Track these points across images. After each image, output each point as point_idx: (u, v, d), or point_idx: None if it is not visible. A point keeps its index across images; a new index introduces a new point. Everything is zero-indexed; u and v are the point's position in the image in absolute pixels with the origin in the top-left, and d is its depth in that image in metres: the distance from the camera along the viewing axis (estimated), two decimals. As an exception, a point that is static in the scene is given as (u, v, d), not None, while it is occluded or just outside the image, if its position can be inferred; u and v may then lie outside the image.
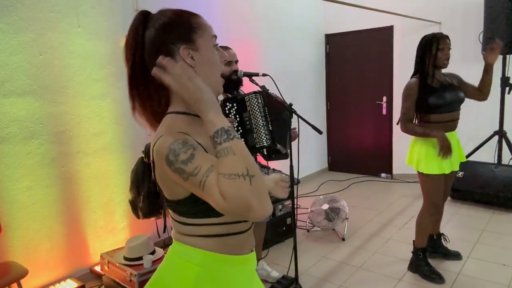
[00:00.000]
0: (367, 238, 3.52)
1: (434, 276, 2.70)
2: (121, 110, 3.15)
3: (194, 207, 0.94)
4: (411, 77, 2.71)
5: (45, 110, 2.68)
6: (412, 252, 2.85)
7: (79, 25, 2.84)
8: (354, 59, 5.61)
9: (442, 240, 3.01)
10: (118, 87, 3.11)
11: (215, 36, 1.01)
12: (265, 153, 2.33)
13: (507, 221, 3.74)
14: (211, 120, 0.84)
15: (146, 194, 2.84)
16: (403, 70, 5.19)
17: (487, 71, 2.63)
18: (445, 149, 2.50)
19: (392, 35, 5.24)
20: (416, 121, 2.70)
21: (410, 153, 2.78)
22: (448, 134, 2.57)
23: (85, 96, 2.91)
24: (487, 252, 3.12)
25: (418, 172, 2.69)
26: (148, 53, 0.95)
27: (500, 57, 4.21)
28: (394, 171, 5.48)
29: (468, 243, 3.28)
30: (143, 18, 0.96)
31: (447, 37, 2.61)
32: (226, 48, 2.41)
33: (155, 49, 0.94)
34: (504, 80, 4.20)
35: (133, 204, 2.91)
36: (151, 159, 0.95)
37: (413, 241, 2.85)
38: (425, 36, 2.65)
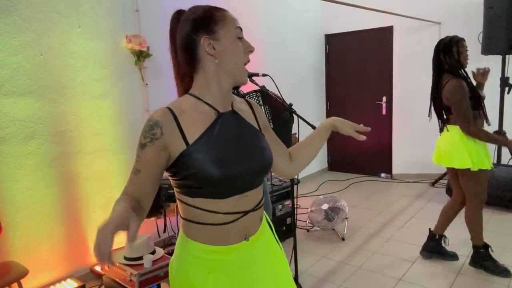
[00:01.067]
0: (367, 238, 3.53)
1: (500, 270, 2.74)
2: (121, 110, 3.15)
3: (174, 179, 1.06)
4: (444, 77, 2.65)
5: (46, 110, 2.68)
6: (474, 251, 2.84)
7: (79, 25, 2.84)
8: (354, 59, 5.61)
9: (442, 242, 3.01)
10: (118, 87, 3.11)
11: (240, 28, 1.08)
12: None
13: (507, 221, 3.74)
14: None
15: (146, 194, 2.83)
16: (403, 70, 5.20)
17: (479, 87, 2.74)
18: None
19: (392, 35, 5.24)
20: (444, 122, 2.74)
21: (452, 154, 2.69)
22: None
23: (85, 96, 2.91)
24: (487, 252, 3.12)
25: (463, 171, 2.65)
26: (177, 45, 1.08)
27: (500, 57, 4.21)
28: (394, 171, 5.48)
29: (468, 243, 3.27)
30: (177, 15, 1.10)
31: (464, 39, 2.67)
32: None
33: (181, 40, 1.06)
34: (504, 80, 4.20)
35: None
36: None
37: (436, 233, 2.93)
38: (442, 40, 2.69)
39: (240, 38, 1.07)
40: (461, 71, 2.64)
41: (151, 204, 1.04)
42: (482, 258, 2.80)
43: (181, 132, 1.01)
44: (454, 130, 2.68)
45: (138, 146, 1.02)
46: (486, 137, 2.59)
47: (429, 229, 3.05)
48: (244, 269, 1.10)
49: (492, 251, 2.83)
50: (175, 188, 1.09)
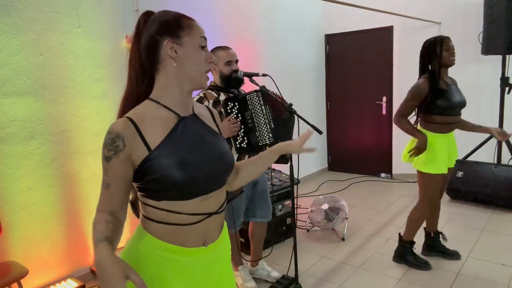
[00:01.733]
0: (367, 238, 3.53)
1: (421, 263, 2.84)
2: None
3: (139, 184, 1.08)
4: (419, 78, 2.72)
5: (46, 110, 2.68)
6: (400, 245, 2.95)
7: (79, 25, 2.84)
8: (354, 59, 5.61)
9: (441, 239, 3.02)
10: (118, 87, 3.11)
11: (204, 38, 1.13)
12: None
13: (507, 221, 3.74)
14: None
15: (146, 194, 2.84)
16: (403, 70, 5.20)
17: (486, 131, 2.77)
18: (418, 152, 2.62)
19: (392, 35, 5.25)
20: (418, 119, 2.76)
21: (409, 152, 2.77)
22: (448, 135, 2.70)
23: (85, 96, 2.91)
24: (486, 252, 3.12)
25: (420, 172, 2.73)
26: (141, 45, 1.11)
27: (500, 57, 4.21)
28: (394, 171, 5.48)
29: (468, 243, 3.28)
30: (145, 16, 1.13)
31: (449, 38, 2.67)
32: (226, 48, 2.41)
33: (145, 39, 1.10)
34: (504, 80, 4.20)
35: (133, 204, 2.91)
36: None
37: (399, 234, 2.98)
38: (427, 40, 2.70)
39: (203, 47, 1.12)
40: (441, 72, 2.63)
41: (126, 213, 1.08)
42: (406, 253, 2.90)
43: (143, 140, 1.04)
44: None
45: (103, 159, 1.04)
46: (410, 130, 2.67)
47: (424, 228, 3.07)
48: (195, 273, 1.13)
49: (414, 248, 2.94)
50: (138, 192, 1.12)
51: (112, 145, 1.02)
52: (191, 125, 1.13)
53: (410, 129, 2.68)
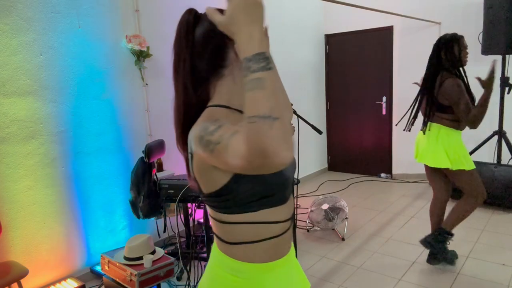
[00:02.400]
0: (367, 238, 3.53)
1: (448, 253, 2.83)
2: (121, 110, 3.15)
3: (231, 198, 0.91)
4: (441, 75, 2.62)
5: (46, 110, 2.69)
6: (437, 233, 2.82)
7: (79, 25, 2.84)
8: (354, 59, 5.61)
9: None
10: (118, 87, 3.11)
11: None
12: None
13: (507, 221, 3.74)
14: (249, 42, 0.75)
15: (146, 194, 2.84)
16: (403, 70, 5.20)
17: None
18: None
19: (392, 35, 5.24)
20: (431, 117, 2.70)
21: (439, 153, 2.69)
22: (460, 133, 2.70)
23: (85, 96, 2.91)
24: (487, 252, 3.12)
25: (463, 171, 2.65)
26: (197, 46, 0.94)
27: (500, 57, 4.21)
28: (394, 171, 5.48)
29: (468, 243, 3.28)
30: (193, 15, 0.96)
31: (463, 38, 2.66)
32: None
33: (209, 40, 0.93)
34: (504, 80, 4.20)
35: (133, 204, 2.91)
36: (188, 150, 0.94)
37: (439, 227, 2.86)
38: (443, 37, 2.65)
39: None
40: (460, 70, 2.63)
41: None
42: (439, 241, 2.81)
43: None
44: (434, 128, 2.70)
45: (211, 137, 0.81)
46: (483, 103, 2.50)
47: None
48: (292, 280, 1.05)
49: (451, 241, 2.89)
50: (225, 211, 0.93)
51: (215, 121, 0.85)
52: None
53: (482, 103, 2.49)
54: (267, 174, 0.86)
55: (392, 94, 5.35)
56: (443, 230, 2.81)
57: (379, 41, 5.37)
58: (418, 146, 2.87)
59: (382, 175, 5.56)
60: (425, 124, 2.76)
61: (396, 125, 2.85)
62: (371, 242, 3.43)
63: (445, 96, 2.59)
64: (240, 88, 0.93)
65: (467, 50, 2.65)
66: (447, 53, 2.60)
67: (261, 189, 0.90)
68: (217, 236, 0.99)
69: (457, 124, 2.66)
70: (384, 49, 5.32)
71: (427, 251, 3.09)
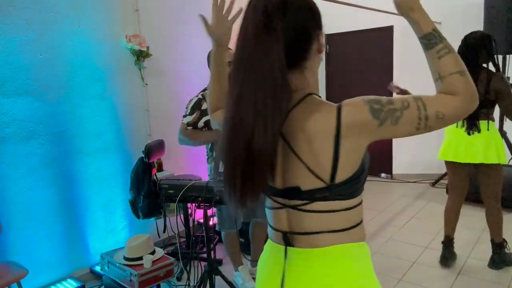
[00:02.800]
0: (367, 238, 3.50)
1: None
2: (121, 110, 3.15)
3: (363, 178, 0.93)
4: (479, 70, 2.61)
5: (45, 110, 2.68)
6: (498, 249, 2.81)
7: (79, 25, 2.84)
8: (354, 59, 5.61)
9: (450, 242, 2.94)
10: (118, 87, 3.11)
11: None
12: None
13: (507, 221, 3.73)
14: (426, 19, 0.94)
15: (146, 194, 2.84)
16: (403, 70, 5.20)
17: None
18: None
19: (392, 35, 5.24)
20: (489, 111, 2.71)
21: (491, 148, 2.66)
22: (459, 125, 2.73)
23: (85, 96, 2.91)
24: (487, 252, 3.11)
25: (495, 165, 2.65)
26: (289, 35, 0.87)
27: (500, 57, 4.20)
28: (394, 171, 5.48)
29: (468, 243, 3.28)
30: (281, 2, 0.87)
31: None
32: (227, 48, 2.40)
33: (295, 32, 0.88)
34: (504, 80, 4.19)
35: (133, 204, 2.91)
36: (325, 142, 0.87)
37: (492, 240, 2.83)
38: (475, 34, 2.64)
39: None
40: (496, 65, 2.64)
41: None
42: (504, 255, 2.82)
43: None
44: (491, 126, 2.69)
45: (389, 103, 0.85)
46: None
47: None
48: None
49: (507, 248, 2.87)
50: (347, 197, 0.91)
51: (379, 98, 0.88)
52: None
53: None
54: (366, 164, 0.92)
55: (392, 94, 5.34)
56: (500, 244, 2.82)
57: (379, 41, 5.37)
58: (457, 145, 2.77)
59: (382, 175, 5.56)
60: (473, 126, 2.69)
61: None
62: (371, 242, 3.43)
63: (498, 90, 2.58)
64: (317, 83, 0.99)
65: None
66: (488, 50, 2.61)
67: (362, 177, 0.93)
68: (334, 231, 0.92)
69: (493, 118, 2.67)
70: (384, 49, 5.32)
71: (427, 251, 3.10)
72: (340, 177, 0.88)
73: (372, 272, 1.04)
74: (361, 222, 0.97)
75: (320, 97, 0.96)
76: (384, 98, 0.86)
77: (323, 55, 0.98)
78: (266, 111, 0.83)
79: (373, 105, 0.85)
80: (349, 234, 0.94)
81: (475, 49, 2.58)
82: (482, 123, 2.67)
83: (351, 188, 0.90)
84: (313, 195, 0.89)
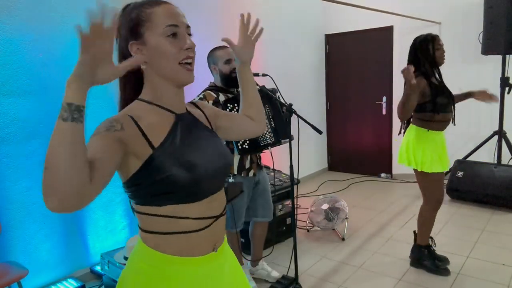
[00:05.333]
0: (367, 238, 3.53)
1: (439, 268, 2.78)
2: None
3: (139, 189, 0.97)
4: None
5: (46, 110, 2.68)
6: (415, 250, 2.89)
7: (79, 25, 2.84)
8: (354, 59, 5.61)
9: (431, 244, 2.92)
10: (118, 86, 3.11)
11: (174, 25, 0.98)
12: (270, 149, 2.37)
13: (507, 221, 3.74)
14: (66, 91, 0.85)
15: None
16: (403, 70, 5.20)
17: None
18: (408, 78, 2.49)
19: (392, 35, 5.25)
20: (414, 119, 2.74)
21: (407, 153, 2.74)
22: (440, 134, 2.69)
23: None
24: (487, 252, 3.12)
25: (422, 172, 2.67)
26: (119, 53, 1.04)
27: (500, 57, 4.21)
28: (394, 171, 5.48)
29: (468, 243, 3.28)
30: (121, 15, 1.02)
31: (439, 36, 2.67)
32: (224, 47, 2.40)
33: (120, 46, 1.02)
34: (504, 80, 4.20)
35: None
36: None
37: (415, 239, 2.90)
38: (417, 38, 2.68)
39: (174, 35, 0.98)
40: (434, 70, 2.63)
41: (97, 189, 0.87)
42: (423, 258, 2.84)
43: (144, 136, 0.95)
44: (411, 130, 2.74)
45: (93, 134, 0.93)
46: (404, 104, 2.57)
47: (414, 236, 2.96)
48: (212, 283, 1.05)
49: (434, 249, 2.88)
50: (135, 201, 1.00)
51: (107, 124, 0.93)
52: (188, 124, 1.06)
53: (403, 100, 2.57)
54: (167, 171, 0.93)
55: (392, 94, 5.35)
56: (421, 247, 2.85)
57: (379, 41, 5.37)
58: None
59: (382, 175, 5.56)
60: (405, 128, 2.83)
61: (398, 134, 2.87)
62: (371, 242, 3.43)
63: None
64: (156, 86, 1.03)
65: (444, 50, 2.65)
66: (423, 53, 2.61)
67: (162, 185, 0.94)
68: (138, 226, 1.04)
69: (426, 123, 2.65)
70: (384, 49, 5.32)
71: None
72: (120, 178, 1.02)
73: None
74: (159, 233, 1.00)
75: (148, 102, 1.04)
76: (102, 125, 0.95)
77: (155, 62, 1.01)
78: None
79: (96, 131, 0.96)
80: (144, 234, 1.02)
81: (414, 52, 2.68)
82: (410, 126, 2.76)
83: (130, 193, 1.00)
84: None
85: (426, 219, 2.80)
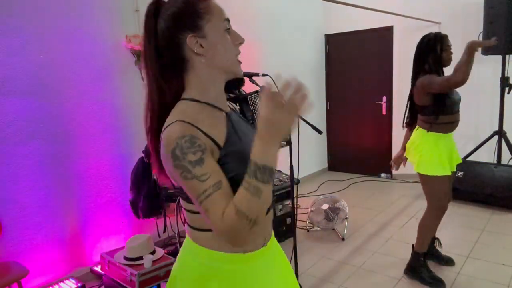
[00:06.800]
0: (367, 238, 3.53)
1: (435, 281, 2.63)
2: (121, 110, 3.15)
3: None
4: (418, 76, 2.55)
5: (45, 110, 2.68)
6: (412, 256, 2.77)
7: (79, 25, 2.84)
8: (354, 59, 5.61)
9: (436, 245, 2.93)
10: (118, 87, 3.11)
11: (227, 20, 0.99)
12: None
13: (507, 221, 3.74)
14: (266, 151, 0.84)
15: (146, 194, 2.84)
16: (403, 70, 5.19)
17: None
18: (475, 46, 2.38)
19: (392, 35, 5.24)
20: (419, 121, 2.67)
21: (414, 155, 2.66)
22: (448, 136, 2.59)
23: (85, 96, 2.91)
24: (487, 252, 3.12)
25: (425, 175, 2.58)
26: (160, 45, 0.97)
27: (500, 57, 4.21)
28: (394, 171, 5.46)
29: (468, 243, 3.28)
30: (154, 8, 0.97)
31: (447, 36, 2.59)
32: None
33: (166, 41, 0.96)
34: (504, 80, 4.20)
35: (133, 204, 2.91)
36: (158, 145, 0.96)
37: (412, 245, 2.78)
38: (425, 36, 2.58)
39: (228, 30, 0.98)
40: (439, 71, 2.54)
41: None
42: (420, 267, 2.70)
43: (211, 139, 0.91)
44: (418, 133, 2.65)
45: (192, 167, 0.85)
46: (464, 67, 2.39)
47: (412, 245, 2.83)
48: (264, 278, 1.03)
49: (438, 249, 2.84)
50: (187, 200, 0.97)
51: (195, 147, 0.86)
52: (237, 120, 1.04)
53: (464, 60, 2.39)
54: (235, 171, 0.91)
55: (392, 94, 5.34)
56: (418, 254, 2.73)
57: (379, 41, 5.37)
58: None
59: (382, 175, 5.56)
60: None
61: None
62: (371, 242, 3.43)
63: (419, 90, 2.52)
64: (206, 83, 0.99)
65: (452, 50, 2.57)
66: (430, 53, 2.52)
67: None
68: (188, 225, 1.02)
69: (445, 126, 2.56)
70: (384, 49, 5.32)
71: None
72: (175, 182, 0.98)
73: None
74: (210, 230, 0.97)
75: (196, 101, 0.98)
76: (191, 156, 0.86)
77: (216, 55, 0.97)
78: (151, 111, 0.99)
79: (176, 150, 0.87)
80: (195, 233, 1.01)
81: (421, 51, 2.59)
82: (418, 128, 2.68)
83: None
84: (174, 191, 1.03)
85: (427, 227, 2.69)
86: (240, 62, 1.02)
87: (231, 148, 0.93)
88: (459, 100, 2.60)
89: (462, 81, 2.37)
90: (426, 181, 2.61)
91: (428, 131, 2.59)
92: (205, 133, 0.91)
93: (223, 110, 1.02)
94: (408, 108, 2.74)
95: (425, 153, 2.57)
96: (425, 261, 2.72)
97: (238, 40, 0.99)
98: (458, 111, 2.61)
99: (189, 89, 1.00)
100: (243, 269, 1.00)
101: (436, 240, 2.93)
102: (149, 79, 0.98)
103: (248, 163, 0.84)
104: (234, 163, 0.92)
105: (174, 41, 0.95)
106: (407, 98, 2.77)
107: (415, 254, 2.75)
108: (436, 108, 2.51)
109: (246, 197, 0.82)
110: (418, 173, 2.63)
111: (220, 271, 0.98)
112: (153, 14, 0.97)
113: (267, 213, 1.02)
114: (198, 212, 0.96)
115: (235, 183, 0.90)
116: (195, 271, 0.99)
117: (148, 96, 0.99)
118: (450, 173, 2.61)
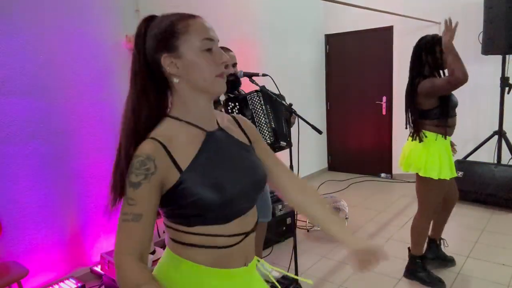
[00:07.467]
0: (367, 238, 3.53)
1: (435, 281, 2.63)
2: (121, 110, 3.14)
3: (168, 210, 0.98)
4: (418, 79, 2.51)
5: (46, 110, 2.68)
6: (409, 260, 2.77)
7: (79, 25, 2.84)
8: (354, 59, 5.61)
9: (442, 244, 2.93)
10: (118, 87, 3.11)
11: (209, 39, 0.97)
12: None
13: (507, 221, 3.74)
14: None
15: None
16: (403, 70, 5.18)
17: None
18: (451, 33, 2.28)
19: (392, 35, 5.24)
20: (411, 123, 2.63)
21: (413, 158, 2.60)
22: (448, 140, 2.57)
23: (85, 96, 2.91)
24: (487, 252, 3.12)
25: (424, 178, 2.53)
26: (148, 63, 0.99)
27: (500, 57, 4.20)
28: (394, 171, 5.48)
29: (468, 243, 3.28)
30: (145, 26, 1.00)
31: None
32: (226, 50, 2.41)
33: (150, 60, 0.98)
34: (504, 80, 4.20)
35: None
36: None
37: (409, 248, 2.78)
38: (422, 38, 2.54)
39: (210, 50, 0.97)
40: (440, 73, 2.50)
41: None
42: (417, 269, 2.70)
43: (173, 161, 0.93)
44: (419, 143, 2.58)
45: (129, 186, 0.91)
46: (456, 64, 2.28)
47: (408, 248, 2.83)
48: None
49: (446, 246, 2.84)
50: (165, 217, 1.00)
51: (142, 169, 0.89)
52: (219, 140, 1.02)
53: (453, 55, 2.29)
54: (195, 195, 0.92)
55: (392, 94, 5.35)
56: (414, 257, 2.73)
57: (379, 41, 5.37)
58: (404, 155, 2.71)
59: (382, 175, 5.56)
60: (414, 134, 2.63)
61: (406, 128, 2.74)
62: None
63: (422, 95, 2.47)
64: (187, 101, 0.99)
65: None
66: (428, 55, 2.47)
67: (191, 208, 0.94)
68: (170, 238, 1.02)
69: (447, 129, 2.52)
70: (384, 49, 5.32)
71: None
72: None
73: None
74: (190, 245, 0.99)
75: (177, 119, 1.00)
76: (133, 176, 0.91)
77: (191, 75, 0.97)
78: (131, 122, 1.02)
79: (131, 164, 0.93)
80: (174, 244, 1.02)
81: (419, 53, 2.53)
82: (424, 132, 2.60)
83: (163, 212, 1.01)
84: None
85: (419, 230, 2.67)
86: (223, 79, 1.01)
87: (194, 172, 0.94)
88: (457, 104, 2.58)
89: (463, 77, 2.28)
90: (426, 184, 2.56)
91: (434, 133, 2.53)
92: (170, 155, 0.93)
93: (204, 130, 1.01)
94: (409, 118, 2.65)
95: (422, 155, 2.53)
96: (423, 263, 2.71)
97: (221, 60, 0.98)
98: (456, 115, 2.59)
99: (173, 107, 1.02)
100: (224, 285, 1.00)
101: (442, 241, 2.93)
102: (134, 96, 0.99)
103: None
104: (197, 187, 0.92)
105: (155, 60, 0.97)
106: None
107: (412, 257, 2.75)
108: (441, 110, 2.47)
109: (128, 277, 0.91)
110: (419, 176, 2.56)
111: (201, 285, 0.98)
112: (143, 33, 1.00)
113: (246, 236, 1.04)
114: (176, 230, 0.98)
115: (196, 207, 0.92)
116: (176, 282, 0.99)
117: (130, 112, 1.01)
118: (455, 175, 2.60)
